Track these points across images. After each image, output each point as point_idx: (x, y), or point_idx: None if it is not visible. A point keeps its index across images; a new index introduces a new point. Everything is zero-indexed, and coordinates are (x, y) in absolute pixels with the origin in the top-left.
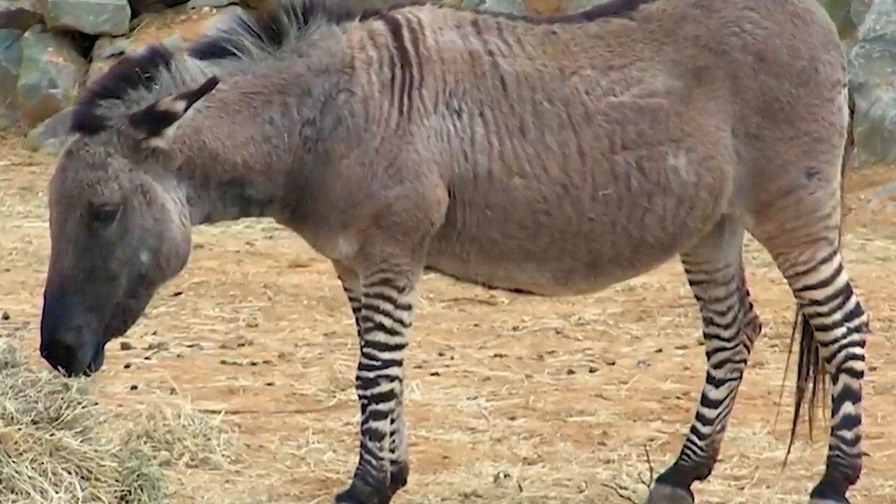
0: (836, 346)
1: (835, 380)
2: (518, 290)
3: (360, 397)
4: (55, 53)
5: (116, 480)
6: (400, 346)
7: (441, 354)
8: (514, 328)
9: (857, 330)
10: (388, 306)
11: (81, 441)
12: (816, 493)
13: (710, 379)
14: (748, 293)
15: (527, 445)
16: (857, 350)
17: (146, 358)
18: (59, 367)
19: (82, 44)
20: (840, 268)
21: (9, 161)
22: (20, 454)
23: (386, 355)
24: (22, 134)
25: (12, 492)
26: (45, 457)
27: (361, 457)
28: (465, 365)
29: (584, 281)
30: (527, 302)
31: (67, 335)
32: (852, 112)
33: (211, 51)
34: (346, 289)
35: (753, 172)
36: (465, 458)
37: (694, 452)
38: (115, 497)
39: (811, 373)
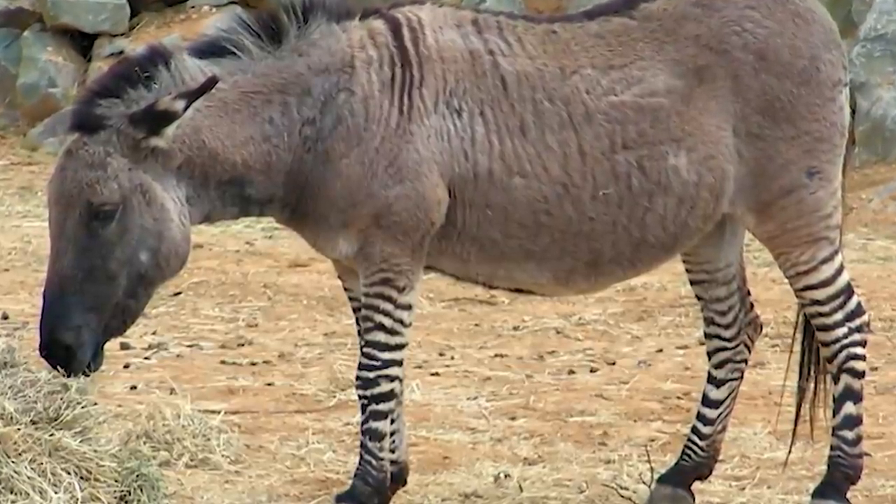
0: (838, 346)
1: (836, 380)
2: (518, 290)
3: (360, 397)
4: (54, 53)
5: (116, 481)
6: (400, 346)
7: (441, 354)
8: (515, 328)
9: (859, 330)
10: (388, 306)
11: (81, 441)
12: (818, 493)
13: (710, 379)
14: (749, 293)
15: (527, 446)
16: (859, 350)
17: (146, 358)
18: (59, 367)
19: (81, 43)
20: (841, 267)
21: (8, 160)
22: (19, 454)
23: (386, 355)
24: (21, 133)
25: (11, 492)
26: (44, 457)
27: (361, 457)
28: (466, 365)
29: (584, 280)
30: (527, 302)
31: (67, 335)
32: (853, 111)
33: (210, 50)
34: (346, 289)
35: (754, 172)
36: (465, 458)
37: (695, 452)
38: (115, 497)
39: (812, 373)
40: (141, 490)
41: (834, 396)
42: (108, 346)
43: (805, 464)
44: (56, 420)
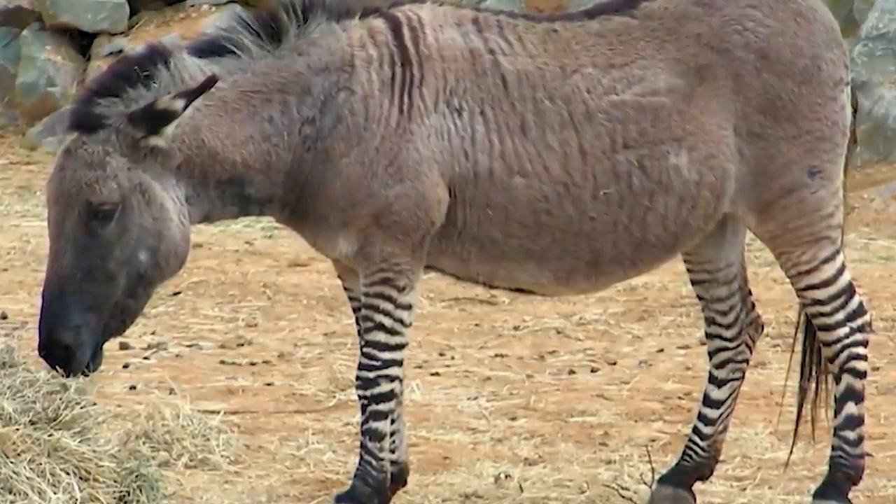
0: (839, 345)
1: (837, 380)
2: (519, 290)
3: (360, 397)
4: (53, 52)
5: (115, 481)
6: (400, 346)
7: (441, 354)
8: (515, 328)
9: (860, 330)
10: (389, 306)
11: (80, 441)
12: (819, 493)
13: (712, 379)
14: (750, 293)
15: (528, 446)
16: (860, 350)
17: (145, 358)
18: (58, 367)
19: (81, 42)
20: (843, 267)
21: (7, 160)
22: (18, 454)
23: (386, 355)
24: (20, 132)
25: (10, 492)
26: (43, 457)
27: (361, 457)
28: (466, 365)
29: (585, 280)
30: (528, 301)
31: (66, 335)
32: (855, 110)
33: (210, 49)
34: (346, 288)
35: (756, 171)
36: (465, 458)
37: (696, 453)
38: (114, 498)
39: (814, 373)
40: (140, 490)
41: (835, 396)
42: (107, 346)
43: (806, 464)
44: (55, 420)
